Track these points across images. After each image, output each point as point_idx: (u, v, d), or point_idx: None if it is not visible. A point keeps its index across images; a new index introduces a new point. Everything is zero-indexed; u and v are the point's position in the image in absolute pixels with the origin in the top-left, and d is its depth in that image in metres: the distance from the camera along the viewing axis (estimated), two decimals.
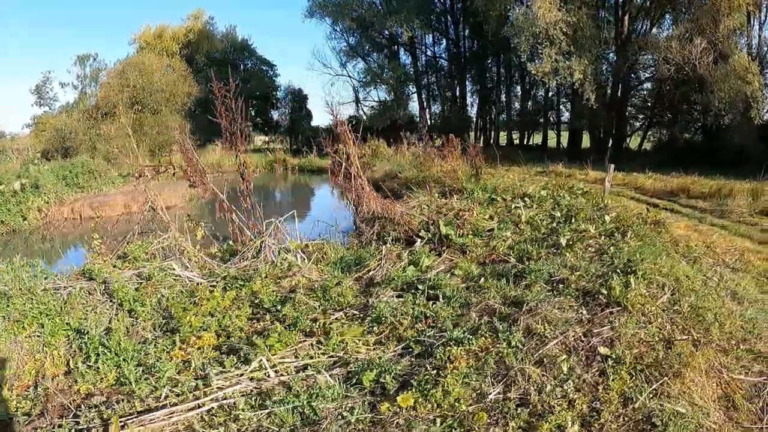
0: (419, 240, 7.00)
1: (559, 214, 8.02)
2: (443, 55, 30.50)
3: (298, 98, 39.96)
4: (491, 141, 27.99)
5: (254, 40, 42.26)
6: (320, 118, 76.35)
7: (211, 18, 38.30)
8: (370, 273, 6.08)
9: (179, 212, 13.61)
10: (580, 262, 5.51)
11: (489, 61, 27.84)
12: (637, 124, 23.93)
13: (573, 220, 7.58)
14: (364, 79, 30.11)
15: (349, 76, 31.03)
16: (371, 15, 26.80)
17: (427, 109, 30.81)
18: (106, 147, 21.41)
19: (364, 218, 7.65)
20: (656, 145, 22.61)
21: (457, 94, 29.02)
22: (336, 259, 6.79)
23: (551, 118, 27.34)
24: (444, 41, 29.69)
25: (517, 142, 28.04)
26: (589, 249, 6.26)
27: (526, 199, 9.30)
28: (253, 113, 40.10)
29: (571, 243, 6.30)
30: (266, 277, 5.94)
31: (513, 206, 8.68)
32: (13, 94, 62.94)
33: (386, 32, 28.61)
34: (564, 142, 26.13)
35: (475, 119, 30.21)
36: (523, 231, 7.42)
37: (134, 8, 73.65)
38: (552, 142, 27.24)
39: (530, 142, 28.35)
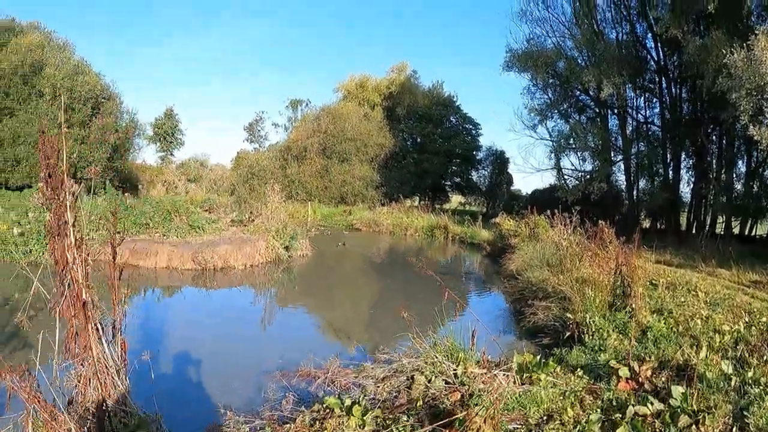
0: None
1: None
2: (655, 121, 24.59)
3: (500, 160, 37.56)
4: (705, 228, 21.42)
5: (459, 98, 40.92)
6: (520, 183, 70.83)
7: (415, 72, 38.99)
8: None
9: (239, 277, 10.79)
10: None
11: (708, 129, 21.20)
12: None
13: None
14: (560, 143, 25.73)
15: (551, 140, 26.90)
16: (569, 70, 22.71)
17: (635, 184, 24.99)
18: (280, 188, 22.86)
19: None
20: None
21: (670, 167, 22.96)
22: None
23: None
24: (657, 105, 23.97)
25: (737, 231, 21.11)
26: None
27: (680, 387, 4.16)
28: (450, 172, 39.15)
29: None
30: None
31: (640, 411, 3.73)
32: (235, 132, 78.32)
33: (591, 92, 24.54)
34: None
35: (690, 199, 23.58)
36: None
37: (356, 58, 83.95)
38: None
39: (753, 233, 21.63)
